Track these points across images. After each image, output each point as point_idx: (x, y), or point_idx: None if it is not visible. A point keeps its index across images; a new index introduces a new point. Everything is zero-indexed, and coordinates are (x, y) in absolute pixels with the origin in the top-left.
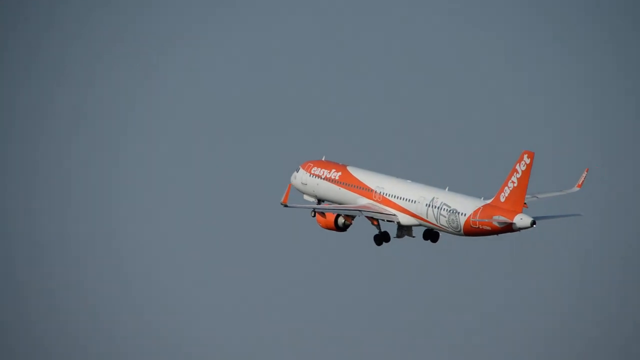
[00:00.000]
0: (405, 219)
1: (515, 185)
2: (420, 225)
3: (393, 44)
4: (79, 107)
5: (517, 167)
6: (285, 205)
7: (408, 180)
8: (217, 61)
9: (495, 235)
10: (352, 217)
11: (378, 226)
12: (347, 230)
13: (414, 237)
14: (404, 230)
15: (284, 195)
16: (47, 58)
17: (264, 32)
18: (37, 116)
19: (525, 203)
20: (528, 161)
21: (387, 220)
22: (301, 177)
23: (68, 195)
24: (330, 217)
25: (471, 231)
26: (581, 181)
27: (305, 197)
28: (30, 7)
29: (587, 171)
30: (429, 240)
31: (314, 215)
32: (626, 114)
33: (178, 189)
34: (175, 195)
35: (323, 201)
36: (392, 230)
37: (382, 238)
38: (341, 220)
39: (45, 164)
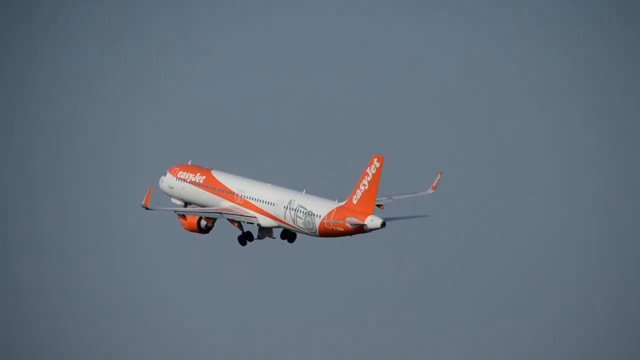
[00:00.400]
0: (264, 221)
1: (367, 188)
2: (279, 226)
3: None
4: (75, 110)
5: (368, 170)
6: (147, 208)
7: (268, 184)
8: None
9: (349, 236)
10: (214, 220)
11: (240, 227)
12: (210, 232)
13: (274, 238)
14: (264, 231)
15: (145, 198)
16: (45, 62)
17: None
18: (33, 119)
19: (381, 204)
20: (378, 165)
21: (248, 223)
22: (168, 181)
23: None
24: (192, 219)
25: (326, 232)
26: (435, 183)
27: (173, 200)
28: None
29: (440, 174)
30: (287, 240)
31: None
32: (477, 118)
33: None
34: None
35: (190, 204)
36: (255, 231)
37: (245, 238)
38: (203, 222)
39: (40, 166)
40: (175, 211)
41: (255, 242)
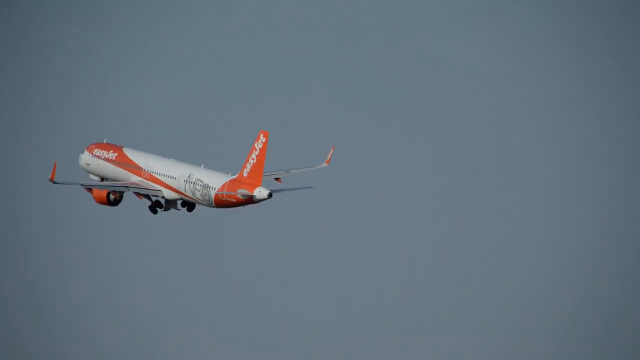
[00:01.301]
0: (168, 194)
1: (255, 161)
2: (181, 199)
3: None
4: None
5: (256, 145)
6: (54, 182)
7: (172, 159)
8: None
9: (242, 207)
10: (121, 193)
11: (148, 198)
12: (119, 205)
13: (179, 209)
14: (169, 203)
15: (51, 172)
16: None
17: None
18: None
19: (279, 178)
20: (264, 140)
21: (153, 196)
22: (85, 159)
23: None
24: (101, 193)
25: (220, 203)
26: (329, 157)
27: (91, 176)
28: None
29: (333, 149)
30: (186, 209)
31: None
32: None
33: None
34: None
35: (105, 179)
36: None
37: (155, 206)
38: (112, 196)
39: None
40: (81, 184)
41: (161, 213)
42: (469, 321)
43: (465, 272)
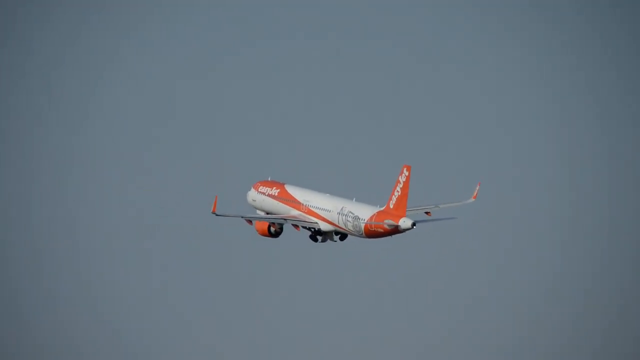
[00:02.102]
0: (324, 226)
1: (399, 194)
2: (335, 230)
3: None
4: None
5: (400, 178)
6: (216, 214)
7: (327, 194)
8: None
9: (389, 236)
10: (281, 225)
11: (307, 229)
12: (279, 236)
13: (335, 241)
14: (326, 235)
15: (213, 205)
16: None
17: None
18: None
19: (429, 211)
20: (407, 173)
21: (309, 228)
22: (252, 195)
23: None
24: (263, 225)
25: (369, 233)
26: (475, 193)
27: (258, 211)
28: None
29: (479, 184)
30: (339, 237)
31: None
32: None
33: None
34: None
35: (269, 213)
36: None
37: (316, 234)
38: (272, 228)
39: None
40: (242, 217)
41: (318, 243)
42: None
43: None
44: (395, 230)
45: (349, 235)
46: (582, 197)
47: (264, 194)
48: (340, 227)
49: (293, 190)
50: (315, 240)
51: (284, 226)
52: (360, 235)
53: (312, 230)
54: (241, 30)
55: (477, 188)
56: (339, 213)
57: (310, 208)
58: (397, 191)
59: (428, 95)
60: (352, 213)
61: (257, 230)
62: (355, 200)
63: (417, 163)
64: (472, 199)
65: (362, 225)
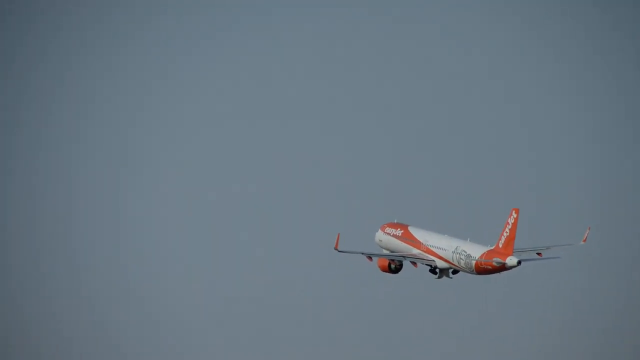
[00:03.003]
0: (440, 263)
1: (508, 235)
2: (450, 267)
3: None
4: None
5: (509, 220)
6: (338, 250)
7: (445, 235)
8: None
9: (498, 273)
10: (400, 262)
11: (428, 265)
12: (399, 273)
13: (451, 277)
14: (442, 272)
15: (335, 242)
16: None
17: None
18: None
19: (540, 252)
20: (515, 216)
21: (426, 264)
22: (379, 236)
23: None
24: (384, 262)
25: (480, 270)
26: (585, 237)
27: (384, 250)
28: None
29: (589, 229)
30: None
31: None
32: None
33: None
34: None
35: (393, 252)
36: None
37: (434, 270)
38: (392, 265)
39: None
40: (362, 253)
41: (435, 280)
42: None
43: None
44: (503, 267)
45: (460, 272)
46: None
47: (389, 234)
48: (454, 264)
49: (415, 231)
50: (435, 273)
51: (404, 263)
52: (472, 272)
53: (430, 267)
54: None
55: (587, 232)
56: (453, 252)
57: (429, 247)
58: (506, 232)
59: (535, 134)
60: (465, 252)
61: (379, 267)
62: (469, 241)
63: (532, 205)
64: (582, 242)
65: (473, 263)
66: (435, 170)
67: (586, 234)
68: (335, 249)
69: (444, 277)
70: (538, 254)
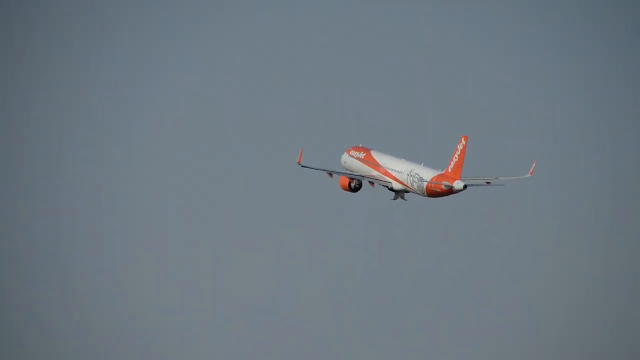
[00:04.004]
0: (395, 185)
1: (456, 160)
2: (404, 189)
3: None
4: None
5: (458, 147)
6: (301, 165)
7: (402, 159)
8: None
9: (446, 196)
10: (360, 182)
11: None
12: (358, 192)
13: (405, 200)
14: (398, 194)
15: (299, 157)
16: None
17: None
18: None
19: (489, 181)
20: (464, 143)
21: (383, 185)
22: (344, 158)
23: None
24: (345, 180)
25: (430, 192)
26: (531, 170)
27: (348, 171)
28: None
29: (535, 162)
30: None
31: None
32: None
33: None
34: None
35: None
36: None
37: (391, 189)
38: (352, 184)
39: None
40: (324, 169)
41: (390, 201)
42: None
43: None
44: (450, 190)
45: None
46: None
47: (353, 157)
48: (408, 187)
49: (376, 155)
50: (392, 189)
51: (363, 183)
52: (423, 194)
53: (386, 187)
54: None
55: (534, 165)
56: (408, 174)
57: (387, 170)
58: (455, 158)
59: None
60: (418, 174)
61: (340, 186)
62: (423, 165)
63: (483, 135)
64: (529, 175)
65: (424, 185)
66: (402, 99)
67: (532, 167)
68: (299, 163)
69: (399, 199)
70: (487, 182)
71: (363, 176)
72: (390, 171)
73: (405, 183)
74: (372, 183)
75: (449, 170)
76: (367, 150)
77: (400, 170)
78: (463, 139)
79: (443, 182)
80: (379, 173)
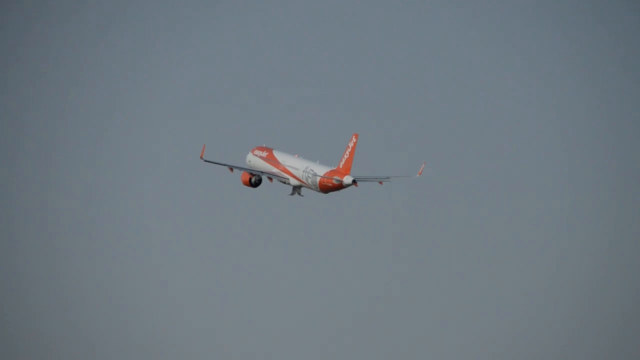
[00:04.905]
0: (293, 181)
1: (347, 157)
2: (300, 185)
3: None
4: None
5: (349, 144)
6: (204, 160)
7: (300, 157)
8: None
9: (338, 190)
10: (259, 177)
11: (282, 182)
12: (258, 187)
13: (302, 195)
14: (295, 189)
15: (201, 152)
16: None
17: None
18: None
19: (381, 181)
20: (355, 140)
21: (281, 181)
22: (249, 157)
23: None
24: (245, 176)
25: (322, 187)
26: (420, 170)
27: (252, 170)
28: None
29: (424, 163)
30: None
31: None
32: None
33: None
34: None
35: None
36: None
37: (289, 184)
38: (252, 179)
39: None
40: (225, 164)
41: (287, 197)
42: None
43: None
44: (341, 185)
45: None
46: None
47: (257, 156)
48: (304, 182)
49: (277, 154)
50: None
51: (263, 179)
52: (317, 189)
53: (284, 183)
54: None
55: (423, 166)
56: (303, 171)
57: (286, 167)
58: (346, 154)
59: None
60: (312, 171)
61: (242, 181)
62: (318, 162)
63: (378, 134)
64: (418, 175)
65: (317, 180)
66: (301, 100)
67: (422, 168)
68: (201, 158)
69: (296, 195)
70: (380, 182)
71: (262, 172)
72: (288, 168)
73: (301, 179)
74: (270, 179)
75: (340, 167)
76: (269, 149)
77: (297, 167)
78: (354, 136)
79: (334, 177)
80: (278, 170)
